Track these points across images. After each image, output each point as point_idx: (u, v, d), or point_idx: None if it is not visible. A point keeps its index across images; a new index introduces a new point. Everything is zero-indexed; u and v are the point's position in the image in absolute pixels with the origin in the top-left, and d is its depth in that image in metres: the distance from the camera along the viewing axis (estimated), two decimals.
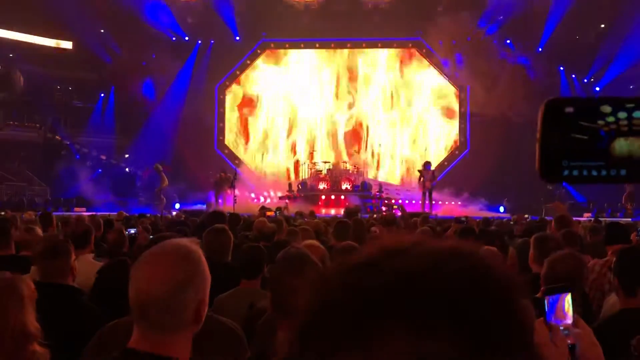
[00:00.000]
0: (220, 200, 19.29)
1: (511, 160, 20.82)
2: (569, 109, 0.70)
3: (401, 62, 23.11)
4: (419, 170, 18.63)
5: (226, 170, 20.12)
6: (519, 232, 7.20)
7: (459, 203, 19.54)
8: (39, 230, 5.31)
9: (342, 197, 19.01)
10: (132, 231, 5.88)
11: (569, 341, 1.39)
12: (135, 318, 1.45)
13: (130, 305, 1.45)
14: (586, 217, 14.55)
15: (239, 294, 3.42)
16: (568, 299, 1.43)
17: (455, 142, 22.85)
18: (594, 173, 0.70)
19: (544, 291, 1.45)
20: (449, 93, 22.83)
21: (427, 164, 18.22)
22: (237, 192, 18.14)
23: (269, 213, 9.79)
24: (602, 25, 21.12)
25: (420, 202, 18.44)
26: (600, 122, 0.70)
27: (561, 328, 1.41)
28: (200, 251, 1.54)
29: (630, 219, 13.32)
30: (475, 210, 17.69)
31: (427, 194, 17.77)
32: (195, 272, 1.46)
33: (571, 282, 2.81)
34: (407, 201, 20.16)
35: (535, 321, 1.37)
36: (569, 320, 1.42)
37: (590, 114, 0.70)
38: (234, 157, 23.18)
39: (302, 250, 2.41)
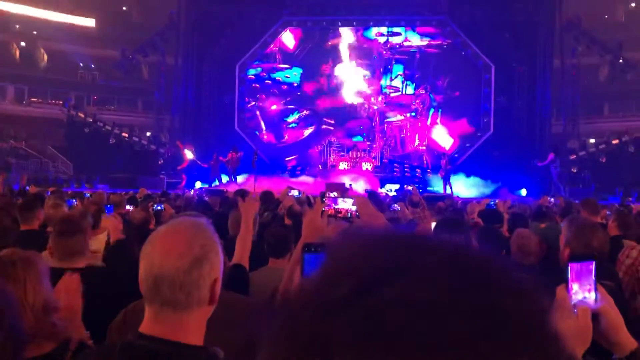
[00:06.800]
0: (233, 178, 19.30)
1: (535, 143, 20.46)
2: None
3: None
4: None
5: (237, 149, 19.90)
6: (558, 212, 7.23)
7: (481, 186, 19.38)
8: (66, 208, 5.37)
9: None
10: (159, 207, 5.89)
11: (590, 309, 1.36)
12: (147, 298, 1.35)
13: (141, 284, 1.35)
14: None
15: (268, 272, 3.40)
16: (592, 267, 1.41)
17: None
18: None
19: (568, 258, 1.42)
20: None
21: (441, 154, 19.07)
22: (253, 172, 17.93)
23: (293, 190, 9.77)
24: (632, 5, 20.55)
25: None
26: None
27: (584, 296, 1.39)
28: (213, 229, 1.46)
29: None
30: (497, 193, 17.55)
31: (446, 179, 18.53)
32: (211, 248, 1.38)
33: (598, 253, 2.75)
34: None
35: (558, 287, 1.39)
36: (592, 288, 1.40)
37: None
38: (254, 136, 23.11)
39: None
